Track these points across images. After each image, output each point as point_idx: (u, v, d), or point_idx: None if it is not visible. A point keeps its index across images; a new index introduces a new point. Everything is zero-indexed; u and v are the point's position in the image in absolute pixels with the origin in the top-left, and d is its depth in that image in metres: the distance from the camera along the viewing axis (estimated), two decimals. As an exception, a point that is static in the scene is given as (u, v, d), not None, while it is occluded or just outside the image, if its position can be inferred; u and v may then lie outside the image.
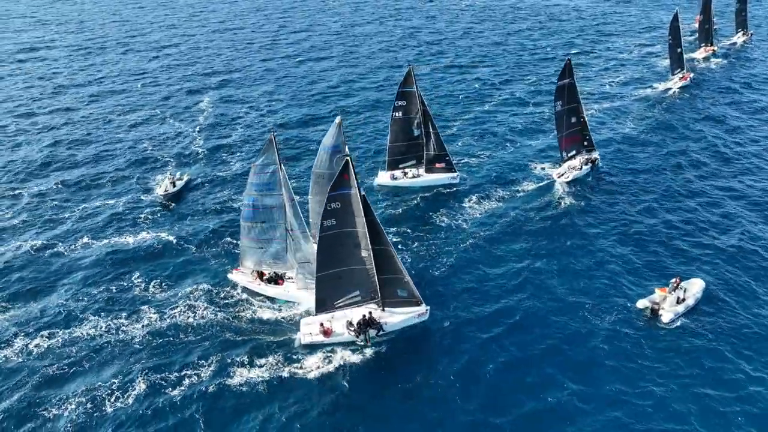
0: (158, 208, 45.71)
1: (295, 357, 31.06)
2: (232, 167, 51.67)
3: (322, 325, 32.18)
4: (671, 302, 33.16)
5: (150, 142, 57.30)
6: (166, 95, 70.15)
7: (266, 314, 34.17)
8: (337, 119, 33.17)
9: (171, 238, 41.29)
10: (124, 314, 34.29)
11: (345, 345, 32.03)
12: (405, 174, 46.59)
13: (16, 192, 48.29)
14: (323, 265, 31.80)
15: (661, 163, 50.34)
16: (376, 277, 32.40)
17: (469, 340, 31.93)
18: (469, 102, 64.91)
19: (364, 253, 31.84)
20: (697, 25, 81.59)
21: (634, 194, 45.68)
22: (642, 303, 33.64)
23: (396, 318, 33.04)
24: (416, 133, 44.89)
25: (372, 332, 32.16)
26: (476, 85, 70.08)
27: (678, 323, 32.50)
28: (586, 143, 49.04)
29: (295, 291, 34.89)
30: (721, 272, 36.55)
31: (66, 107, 67.21)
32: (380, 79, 73.34)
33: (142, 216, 44.46)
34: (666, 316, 32.72)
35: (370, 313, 32.68)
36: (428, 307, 33.45)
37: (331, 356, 31.24)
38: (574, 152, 48.17)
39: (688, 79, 68.22)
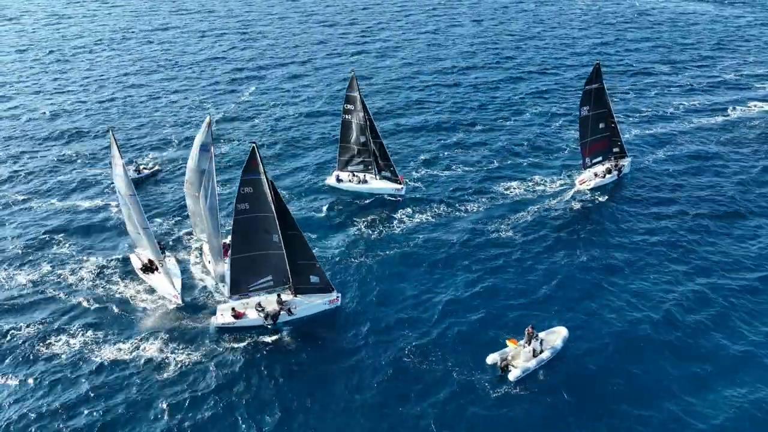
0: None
1: (204, 341, 31.92)
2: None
3: (233, 309, 33.18)
4: (526, 356, 28.81)
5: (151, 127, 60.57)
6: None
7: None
8: (207, 119, 33.63)
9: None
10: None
11: (256, 329, 32.91)
12: (352, 178, 47.18)
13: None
14: (237, 249, 32.97)
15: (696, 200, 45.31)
16: (287, 262, 33.38)
17: (372, 333, 32.53)
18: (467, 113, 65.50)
19: (275, 238, 32.91)
20: None
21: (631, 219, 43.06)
22: (492, 358, 29.02)
23: (308, 303, 33.94)
24: (362, 139, 45.59)
25: (282, 316, 33.07)
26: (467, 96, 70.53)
27: (524, 383, 28.42)
28: (616, 149, 47.61)
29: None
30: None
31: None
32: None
33: (93, 191, 47.61)
34: (513, 373, 28.30)
35: (279, 297, 33.61)
36: (339, 294, 34.34)
37: (242, 339, 32.11)
38: (600, 159, 47.06)
39: None
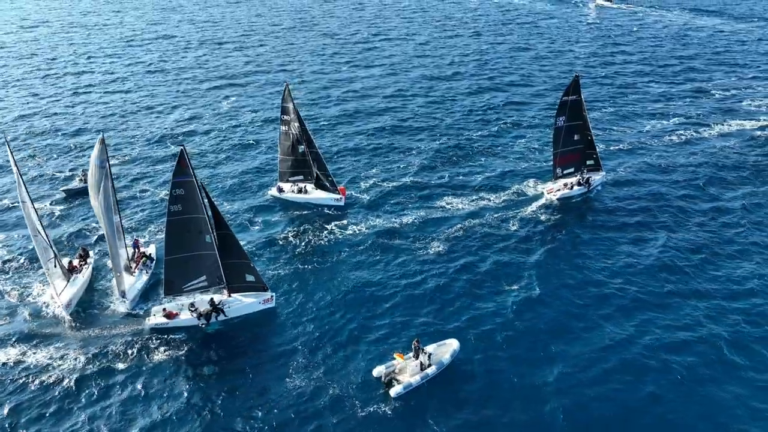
0: (56, 196, 48.20)
1: (140, 342, 32.12)
2: (152, 184, 52.31)
3: (164, 309, 33.55)
4: (413, 370, 28.06)
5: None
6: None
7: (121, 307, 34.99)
8: (100, 137, 33.87)
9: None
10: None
11: (190, 329, 33.26)
12: (293, 188, 47.06)
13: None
14: (171, 249, 33.39)
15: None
16: (220, 263, 33.85)
17: (305, 332, 33.02)
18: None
19: (208, 239, 33.38)
20: None
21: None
22: (378, 371, 28.26)
23: (241, 303, 34.39)
24: (300, 149, 45.67)
25: (216, 316, 33.49)
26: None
27: (404, 400, 27.51)
28: (591, 162, 48.05)
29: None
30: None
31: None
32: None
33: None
34: (394, 389, 27.44)
35: (212, 298, 34.02)
36: (274, 294, 34.86)
37: (175, 339, 32.42)
38: (572, 170, 47.52)
39: None
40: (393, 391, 27.61)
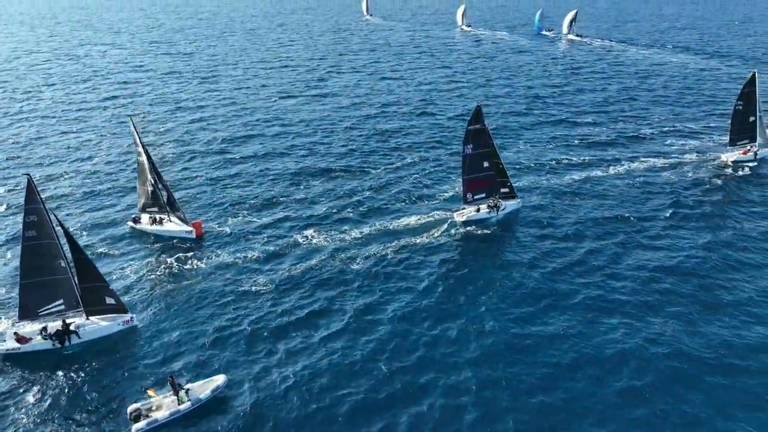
0: None
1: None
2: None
3: (16, 333, 33.98)
4: (169, 407, 28.15)
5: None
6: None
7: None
8: None
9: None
10: None
11: (44, 353, 33.62)
12: (149, 219, 46.81)
13: None
14: (26, 274, 34.06)
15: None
16: (77, 286, 34.41)
17: (165, 347, 33.63)
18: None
19: (62, 263, 34.01)
20: None
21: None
22: (133, 407, 28.23)
23: (98, 326, 34.82)
24: (152, 181, 45.45)
25: (73, 338, 33.87)
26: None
27: None
28: (505, 189, 48.98)
29: None
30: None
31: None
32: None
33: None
34: (137, 425, 27.49)
35: (63, 320, 34.45)
36: (133, 315, 35.33)
37: (28, 364, 32.73)
38: (483, 195, 48.52)
39: (751, 153, 59.97)
40: (135, 427, 27.40)
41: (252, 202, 52.43)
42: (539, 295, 37.98)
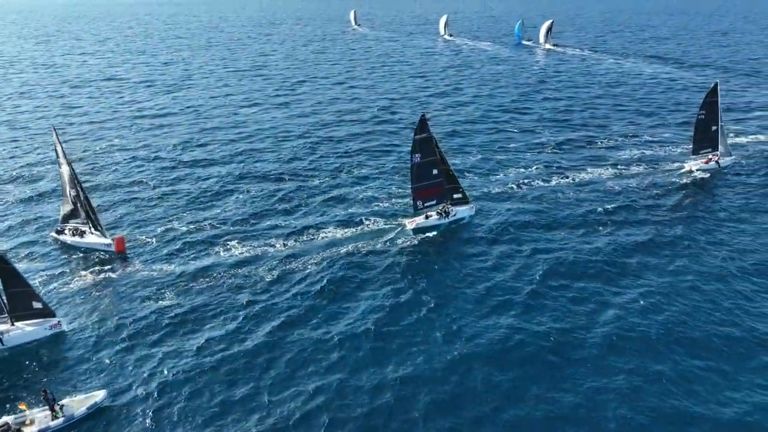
0: None
1: None
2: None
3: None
4: (41, 422, 27.61)
5: None
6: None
7: None
8: None
9: None
10: None
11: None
12: (70, 231, 46.09)
13: None
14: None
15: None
16: (2, 292, 34.23)
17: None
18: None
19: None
20: None
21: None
22: (3, 420, 27.60)
23: (23, 331, 34.58)
24: (74, 192, 44.46)
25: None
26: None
27: None
28: (458, 195, 49.00)
29: None
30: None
31: None
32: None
33: None
34: None
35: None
36: (61, 319, 35.12)
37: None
38: (434, 202, 48.48)
39: (714, 161, 60.12)
40: None
41: (186, 212, 51.60)
42: (489, 298, 37.45)
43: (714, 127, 59.47)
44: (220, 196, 54.82)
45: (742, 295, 37.25)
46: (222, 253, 44.04)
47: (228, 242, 45.56)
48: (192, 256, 43.87)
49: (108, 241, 44.63)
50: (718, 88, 58.68)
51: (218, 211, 51.58)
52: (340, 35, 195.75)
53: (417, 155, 47.18)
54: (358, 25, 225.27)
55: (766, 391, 28.97)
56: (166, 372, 31.50)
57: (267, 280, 40.27)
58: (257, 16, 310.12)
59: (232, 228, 48.20)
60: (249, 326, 35.46)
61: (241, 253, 44.05)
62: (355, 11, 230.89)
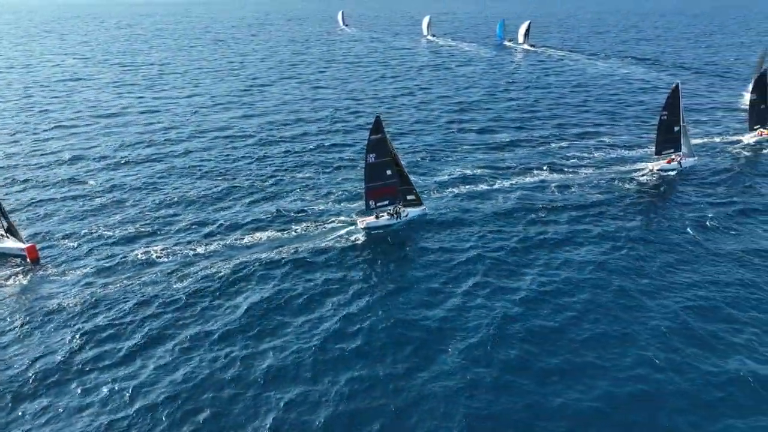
0: None
1: None
2: None
3: None
4: None
5: None
6: None
7: None
8: None
9: None
10: None
11: None
12: None
13: None
14: None
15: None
16: None
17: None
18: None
19: None
20: (747, 103, 72.44)
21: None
22: None
23: None
24: None
25: None
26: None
27: None
28: (411, 197, 48.83)
29: None
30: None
31: None
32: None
33: None
34: None
35: None
36: None
37: None
38: (386, 203, 48.20)
39: (676, 162, 60.00)
40: None
41: (111, 215, 50.16)
42: (434, 296, 37.02)
43: (677, 128, 58.94)
44: (154, 199, 53.74)
45: (689, 298, 36.54)
46: (141, 258, 42.78)
47: (152, 247, 44.26)
48: (112, 261, 42.54)
49: (22, 246, 43.84)
50: (680, 88, 57.92)
51: (150, 214, 50.47)
52: (324, 36, 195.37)
53: (371, 155, 46.96)
54: (346, 25, 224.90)
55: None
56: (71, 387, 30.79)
57: (205, 285, 38.93)
58: (249, 16, 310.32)
59: (163, 231, 47.16)
60: (175, 342, 33.65)
61: (171, 258, 42.66)
62: (342, 12, 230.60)
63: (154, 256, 42.62)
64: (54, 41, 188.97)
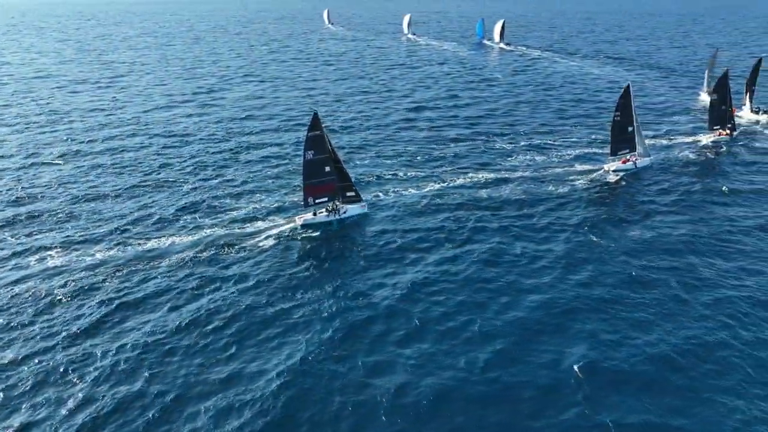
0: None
1: None
2: None
3: None
4: None
5: None
6: None
7: None
8: None
9: None
10: None
11: None
12: None
13: None
14: None
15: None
16: None
17: None
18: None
19: None
20: (707, 103, 72.47)
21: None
22: None
23: None
24: None
25: None
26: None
27: None
28: (351, 194, 48.53)
29: None
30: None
31: None
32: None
33: None
34: None
35: None
36: None
37: None
38: (325, 200, 47.97)
39: (631, 162, 59.38)
40: None
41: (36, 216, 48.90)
42: (369, 295, 36.38)
43: (630, 129, 58.26)
44: (68, 197, 52.41)
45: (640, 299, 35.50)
46: (42, 263, 41.30)
47: (53, 251, 42.90)
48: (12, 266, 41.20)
49: None
50: (631, 89, 57.23)
51: (62, 214, 49.11)
52: (306, 34, 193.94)
53: (310, 152, 46.61)
54: (332, 24, 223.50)
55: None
56: None
57: (139, 289, 37.68)
58: (239, 15, 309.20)
59: (88, 230, 45.79)
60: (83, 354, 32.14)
61: (102, 258, 41.36)
62: (328, 10, 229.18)
63: (58, 262, 41.11)
64: (33, 39, 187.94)
